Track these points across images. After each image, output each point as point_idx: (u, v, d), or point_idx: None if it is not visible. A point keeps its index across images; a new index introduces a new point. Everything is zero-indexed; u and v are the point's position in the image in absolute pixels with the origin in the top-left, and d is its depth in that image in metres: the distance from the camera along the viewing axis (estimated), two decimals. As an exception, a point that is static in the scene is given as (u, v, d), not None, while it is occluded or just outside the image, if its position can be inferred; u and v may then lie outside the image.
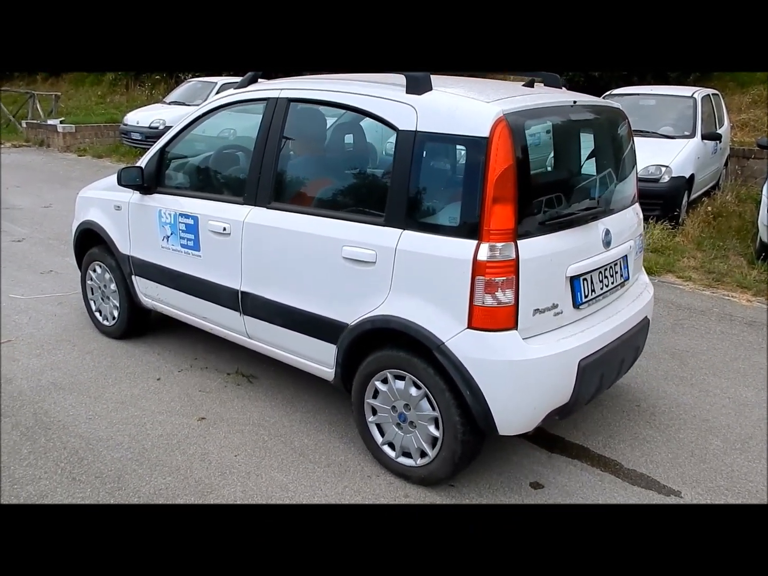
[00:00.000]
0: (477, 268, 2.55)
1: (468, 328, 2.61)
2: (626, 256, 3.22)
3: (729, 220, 7.42)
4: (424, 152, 2.73)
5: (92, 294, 4.52)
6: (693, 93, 8.24)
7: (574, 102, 3.02)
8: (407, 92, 2.81)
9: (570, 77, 12.11)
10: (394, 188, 2.79)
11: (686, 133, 7.78)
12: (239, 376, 3.93)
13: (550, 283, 2.73)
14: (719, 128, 8.59)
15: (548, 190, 2.84)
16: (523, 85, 3.19)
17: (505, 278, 2.55)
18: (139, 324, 4.39)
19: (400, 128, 2.77)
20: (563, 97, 3.09)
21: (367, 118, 3.05)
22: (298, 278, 3.16)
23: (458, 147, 2.72)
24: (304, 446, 3.25)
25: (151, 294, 4.05)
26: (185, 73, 15.97)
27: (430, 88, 2.80)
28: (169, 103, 13.20)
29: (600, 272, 3.00)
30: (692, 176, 7.49)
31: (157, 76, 17.88)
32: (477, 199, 2.56)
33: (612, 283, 3.10)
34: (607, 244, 2.99)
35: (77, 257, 4.60)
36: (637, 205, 3.47)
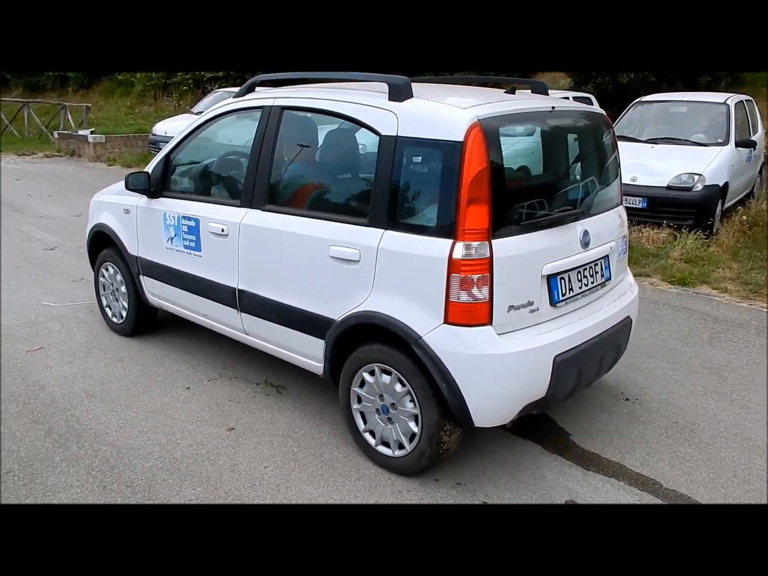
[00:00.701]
0: (452, 266, 2.64)
1: (444, 323, 2.71)
2: (607, 256, 3.29)
3: (765, 229, 7.25)
4: (405, 156, 2.83)
5: (104, 291, 4.72)
6: (726, 99, 8.06)
7: (553, 108, 3.13)
8: (389, 99, 2.93)
9: (598, 84, 11.98)
10: (376, 191, 2.92)
11: (719, 140, 7.59)
12: (268, 386, 3.90)
13: (526, 281, 2.82)
14: (753, 135, 8.43)
15: (523, 192, 2.98)
16: (505, 92, 3.22)
17: (479, 276, 2.65)
18: (146, 322, 4.58)
19: (382, 133, 2.90)
20: (542, 103, 3.16)
21: (353, 124, 3.16)
22: (289, 277, 3.30)
23: (436, 151, 2.78)
24: (334, 459, 3.20)
25: (157, 293, 4.22)
26: (211, 84, 16.14)
27: (411, 96, 2.91)
28: (197, 113, 13.30)
29: (579, 272, 3.07)
30: (726, 184, 7.32)
31: (185, 87, 18.10)
32: (453, 201, 2.66)
33: (592, 282, 3.18)
34: (585, 244, 3.07)
35: (90, 258, 4.80)
36: (621, 208, 3.55)
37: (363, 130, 3.07)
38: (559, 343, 2.86)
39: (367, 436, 3.16)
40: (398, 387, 2.95)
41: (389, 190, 2.85)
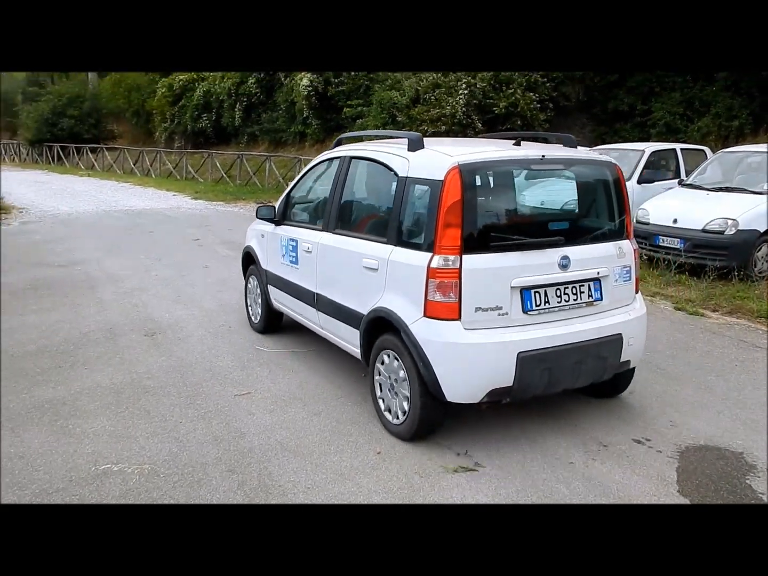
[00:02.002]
0: (430, 273, 3.46)
1: (424, 316, 3.52)
2: (598, 280, 3.79)
3: None
4: (410, 192, 3.72)
5: (249, 296, 5.97)
6: None
7: (543, 156, 3.82)
8: (408, 150, 3.85)
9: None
10: (392, 217, 3.84)
11: None
12: (466, 458, 3.57)
13: (493, 289, 3.48)
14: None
15: (495, 220, 3.71)
16: (513, 144, 3.99)
17: (450, 281, 3.42)
18: (273, 324, 5.69)
19: (399, 175, 3.82)
20: (532, 152, 3.83)
21: (386, 168, 4.03)
22: (341, 281, 4.31)
23: (427, 187, 3.60)
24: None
25: (277, 298, 5.37)
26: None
27: (422, 147, 3.83)
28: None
29: (558, 289, 3.64)
30: None
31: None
32: (434, 224, 3.48)
33: (575, 300, 3.70)
34: (563, 267, 3.63)
35: (243, 271, 6.07)
36: (625, 242, 3.98)
37: (391, 173, 3.93)
38: (524, 342, 3.48)
39: (380, 402, 4.01)
40: (401, 372, 3.72)
41: (399, 217, 3.77)
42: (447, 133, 14.17)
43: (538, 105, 14.96)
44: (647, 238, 7.92)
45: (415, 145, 3.82)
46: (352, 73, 18.43)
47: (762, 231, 7.34)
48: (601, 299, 3.80)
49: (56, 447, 3.73)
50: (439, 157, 3.61)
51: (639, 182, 9.29)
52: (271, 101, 22.38)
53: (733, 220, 7.34)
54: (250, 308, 5.94)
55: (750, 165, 8.35)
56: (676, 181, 9.19)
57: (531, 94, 14.86)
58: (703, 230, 7.46)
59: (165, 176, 24.17)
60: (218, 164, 22.06)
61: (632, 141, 12.71)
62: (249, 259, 5.88)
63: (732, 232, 7.29)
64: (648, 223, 8.02)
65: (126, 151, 27.78)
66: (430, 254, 3.46)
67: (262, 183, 19.47)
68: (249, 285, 5.94)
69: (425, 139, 3.96)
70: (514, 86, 14.88)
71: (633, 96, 14.15)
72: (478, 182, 3.59)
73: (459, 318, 3.43)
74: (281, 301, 5.29)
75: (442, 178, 3.46)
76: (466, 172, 3.47)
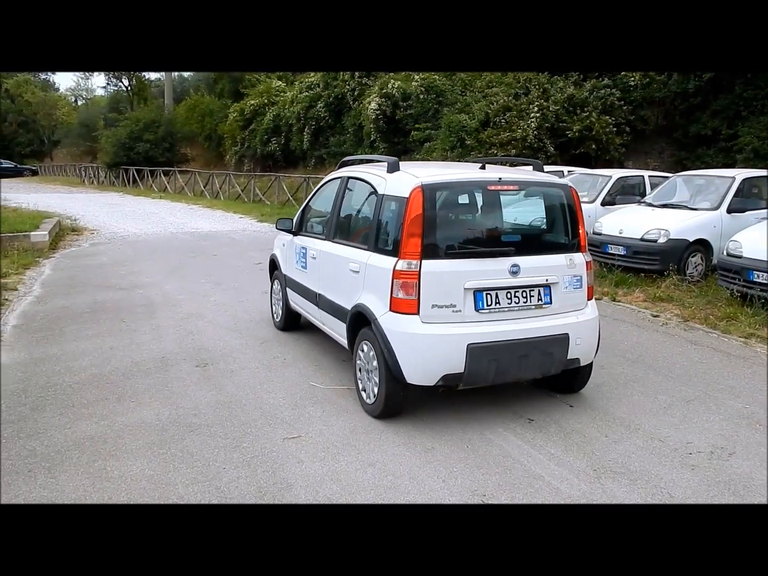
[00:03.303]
0: (395, 274, 4.08)
1: (389, 311, 4.15)
2: (548, 287, 4.31)
3: None
4: (385, 206, 4.36)
5: (273, 298, 6.71)
6: (736, 174, 9.08)
7: (500, 179, 4.34)
8: (387, 171, 4.47)
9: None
10: (372, 228, 4.47)
11: (712, 206, 8.86)
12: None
13: (448, 289, 4.07)
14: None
15: (451, 232, 4.30)
16: (479, 168, 4.67)
17: (411, 281, 4.04)
18: (292, 323, 6.37)
19: (378, 192, 4.47)
20: (491, 175, 4.41)
21: (371, 187, 4.65)
22: (335, 282, 4.97)
23: (396, 203, 4.24)
24: None
25: (293, 299, 6.05)
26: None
27: (398, 169, 4.44)
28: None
29: (508, 292, 4.20)
30: (701, 241, 8.59)
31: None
32: (400, 234, 4.12)
33: (524, 302, 4.24)
34: (513, 273, 4.18)
35: (270, 275, 6.83)
36: (578, 255, 4.48)
37: (373, 191, 4.57)
38: (474, 335, 4.06)
39: (359, 383, 4.63)
40: (373, 357, 4.34)
41: (376, 228, 4.40)
42: (518, 155, 13.70)
43: (614, 128, 14.32)
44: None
45: (392, 168, 4.45)
46: (421, 96, 18.24)
47: (691, 240, 8.50)
48: (551, 303, 4.34)
49: (91, 492, 3.45)
50: (408, 178, 4.24)
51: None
52: (339, 125, 22.46)
53: (665, 230, 8.48)
54: (273, 308, 6.68)
55: (696, 186, 9.48)
56: None
57: (606, 117, 14.25)
58: (641, 239, 8.65)
59: (233, 199, 24.50)
60: (285, 187, 22.21)
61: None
62: (273, 265, 6.65)
63: (663, 241, 8.49)
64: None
65: (197, 174, 28.42)
66: (396, 259, 4.10)
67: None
68: (273, 288, 6.65)
69: (402, 163, 4.57)
70: (588, 109, 14.32)
71: (717, 120, 13.32)
72: (439, 199, 4.17)
73: (418, 313, 4.05)
74: (296, 301, 5.99)
75: (407, 195, 4.10)
76: (428, 191, 4.10)
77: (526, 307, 4.23)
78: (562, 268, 4.36)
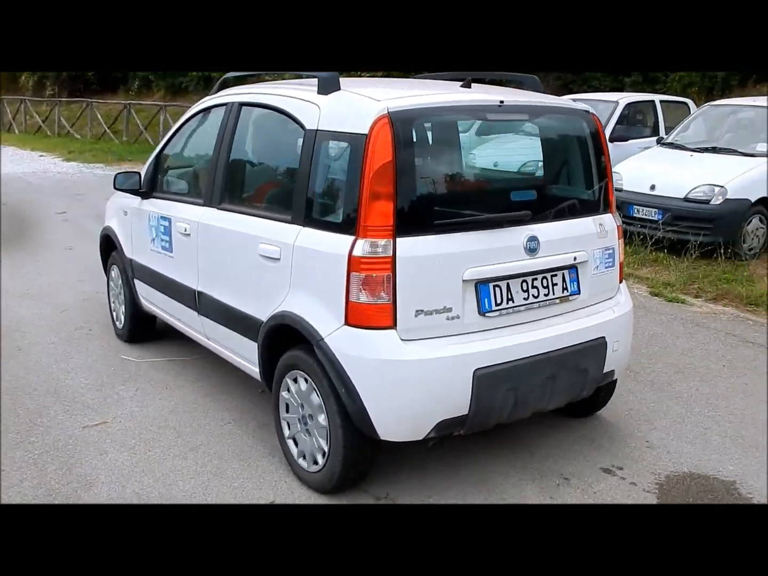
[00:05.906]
0: (352, 263, 2.57)
1: (345, 324, 2.63)
2: (575, 268, 3.01)
3: None
4: (321, 151, 2.81)
5: (109, 294, 4.78)
6: None
7: (501, 102, 2.89)
8: (318, 92, 2.89)
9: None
10: (297, 187, 2.90)
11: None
12: (387, 502, 2.74)
13: (439, 284, 2.67)
14: None
15: (443, 189, 2.91)
16: (461, 86, 3.08)
17: (381, 275, 2.55)
18: (143, 330, 4.52)
19: (306, 128, 2.87)
20: (489, 96, 2.99)
21: (288, 119, 3.06)
22: (232, 276, 3.30)
23: (345, 144, 2.73)
24: None
25: (147, 297, 4.20)
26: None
27: (338, 88, 2.86)
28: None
29: (524, 281, 2.85)
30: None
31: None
32: (356, 196, 2.59)
33: (545, 294, 2.91)
34: (531, 251, 2.83)
35: (102, 261, 4.84)
36: (607, 216, 3.19)
37: (295, 125, 2.97)
38: (483, 355, 2.69)
39: (290, 443, 3.06)
40: (314, 397, 2.83)
41: (307, 187, 2.83)
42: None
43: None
44: (620, 207, 7.07)
45: (328, 87, 2.85)
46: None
47: (753, 201, 6.44)
48: (579, 293, 3.02)
49: None
50: (362, 102, 2.69)
51: (611, 140, 7.57)
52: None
53: (721, 187, 6.43)
54: (113, 308, 4.73)
55: (740, 122, 7.42)
56: (654, 139, 8.19)
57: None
58: (685, 199, 6.56)
59: (32, 132, 20.84)
60: (100, 117, 19.08)
61: (603, 91, 11.45)
62: (109, 244, 4.60)
63: (719, 202, 6.39)
64: (620, 190, 6.72)
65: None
66: (352, 237, 2.57)
67: (155, 140, 17.24)
68: (111, 277, 4.71)
69: (342, 80, 2.94)
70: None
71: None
72: (416, 137, 2.71)
73: (394, 325, 2.59)
74: (152, 300, 4.15)
75: (366, 131, 2.56)
76: (400, 123, 2.58)
77: (549, 302, 2.92)
78: (591, 237, 3.07)
